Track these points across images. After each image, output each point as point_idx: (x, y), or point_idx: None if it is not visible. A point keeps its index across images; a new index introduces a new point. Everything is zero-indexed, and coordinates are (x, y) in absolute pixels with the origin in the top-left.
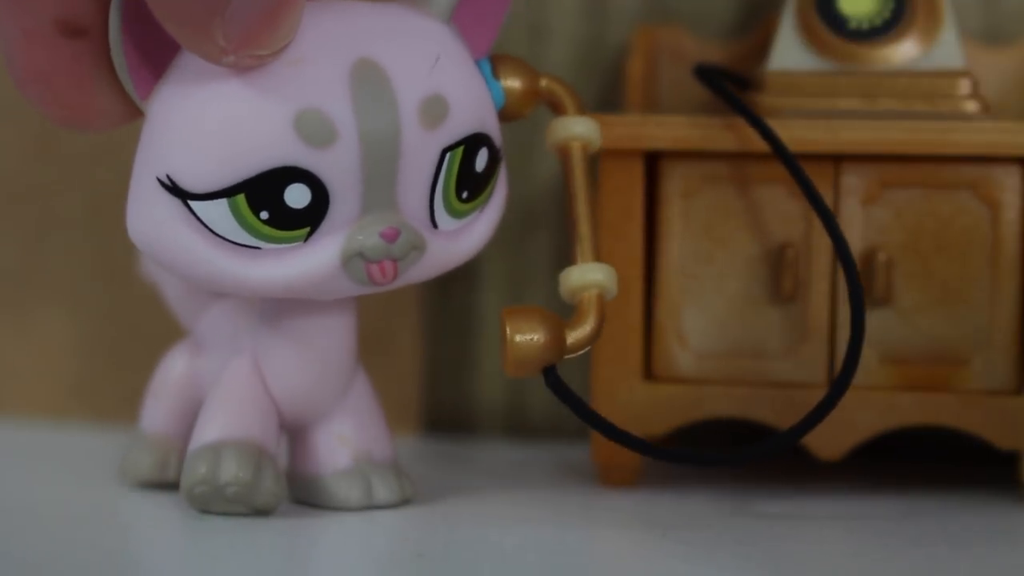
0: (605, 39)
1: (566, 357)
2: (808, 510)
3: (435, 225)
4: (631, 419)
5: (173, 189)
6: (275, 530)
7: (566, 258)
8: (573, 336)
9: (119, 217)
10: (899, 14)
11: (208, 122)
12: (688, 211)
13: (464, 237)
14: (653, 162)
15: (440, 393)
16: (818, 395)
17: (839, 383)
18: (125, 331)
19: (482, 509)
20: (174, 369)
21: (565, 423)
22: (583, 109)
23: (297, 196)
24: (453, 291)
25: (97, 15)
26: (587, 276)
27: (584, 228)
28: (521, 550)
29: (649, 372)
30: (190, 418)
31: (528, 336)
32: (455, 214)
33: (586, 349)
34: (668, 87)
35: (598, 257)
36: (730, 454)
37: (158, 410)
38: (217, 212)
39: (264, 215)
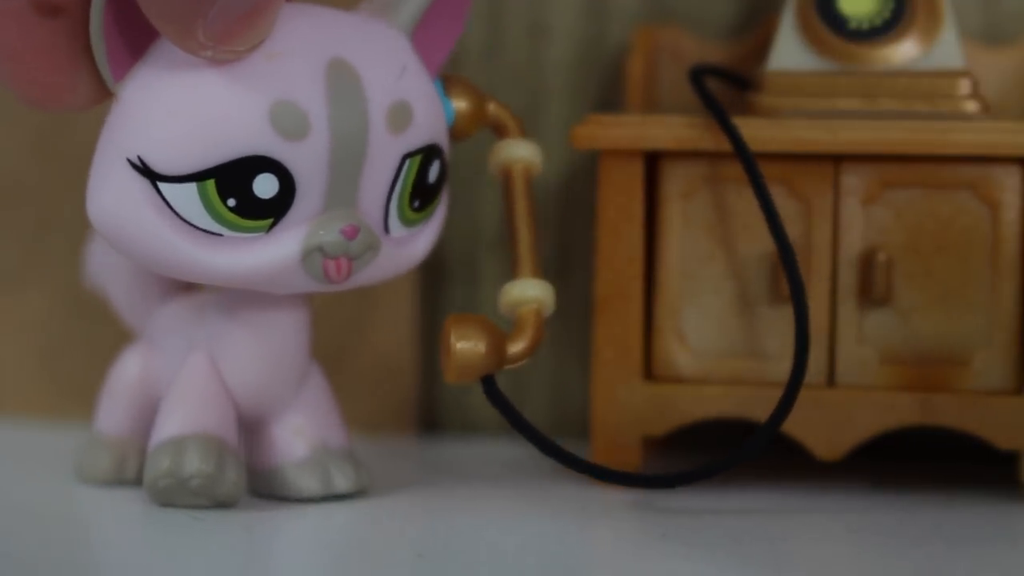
0: (605, 39)
1: (504, 368)
2: (808, 510)
3: (387, 230)
4: (631, 419)
5: (143, 170)
6: (275, 527)
7: (565, 258)
8: (513, 348)
9: None
10: (899, 14)
11: (185, 106)
12: (688, 211)
13: (410, 246)
14: (653, 162)
15: (439, 393)
16: (818, 395)
17: (789, 389)
18: (125, 331)
19: (481, 509)
20: (128, 371)
21: (564, 422)
22: (524, 133)
23: (265, 186)
24: (451, 291)
25: None
26: (527, 292)
27: (525, 245)
28: (520, 550)
29: (649, 372)
30: (146, 419)
31: (470, 343)
32: (406, 222)
33: (523, 363)
34: (668, 87)
35: (537, 274)
36: (683, 473)
37: (113, 411)
38: (185, 196)
39: (231, 202)
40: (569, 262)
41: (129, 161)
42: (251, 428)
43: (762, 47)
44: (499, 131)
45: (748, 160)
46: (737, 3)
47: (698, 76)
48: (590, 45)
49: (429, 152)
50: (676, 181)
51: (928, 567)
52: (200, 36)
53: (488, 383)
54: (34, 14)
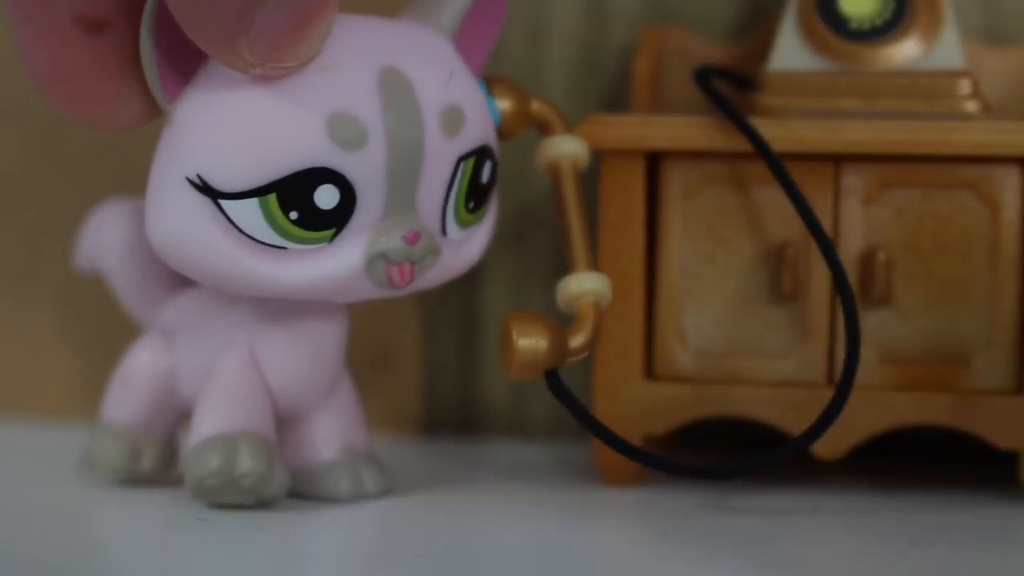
0: (605, 40)
1: (567, 362)
2: (808, 509)
3: (444, 232)
4: (632, 418)
5: (203, 188)
6: (275, 526)
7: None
8: (575, 342)
9: None
10: (900, 14)
11: (241, 123)
12: (689, 211)
13: (465, 247)
14: (654, 162)
15: (440, 393)
16: (818, 394)
17: (840, 390)
18: (125, 331)
19: (482, 509)
20: (142, 361)
21: (565, 423)
22: (570, 128)
23: (327, 197)
24: (453, 291)
25: (118, 9)
26: (584, 284)
27: (578, 239)
28: (521, 549)
29: (650, 371)
30: (160, 411)
31: (532, 340)
32: (462, 223)
33: (585, 355)
34: (674, 88)
35: (593, 267)
36: (731, 465)
37: (126, 402)
38: (247, 211)
39: (293, 215)
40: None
41: (189, 180)
42: (284, 425)
43: (767, 47)
44: (544, 128)
45: (767, 153)
46: (737, 4)
47: (704, 76)
48: (590, 46)
49: (481, 153)
50: (677, 181)
51: (928, 567)
52: (246, 54)
53: (552, 378)
54: (79, 31)
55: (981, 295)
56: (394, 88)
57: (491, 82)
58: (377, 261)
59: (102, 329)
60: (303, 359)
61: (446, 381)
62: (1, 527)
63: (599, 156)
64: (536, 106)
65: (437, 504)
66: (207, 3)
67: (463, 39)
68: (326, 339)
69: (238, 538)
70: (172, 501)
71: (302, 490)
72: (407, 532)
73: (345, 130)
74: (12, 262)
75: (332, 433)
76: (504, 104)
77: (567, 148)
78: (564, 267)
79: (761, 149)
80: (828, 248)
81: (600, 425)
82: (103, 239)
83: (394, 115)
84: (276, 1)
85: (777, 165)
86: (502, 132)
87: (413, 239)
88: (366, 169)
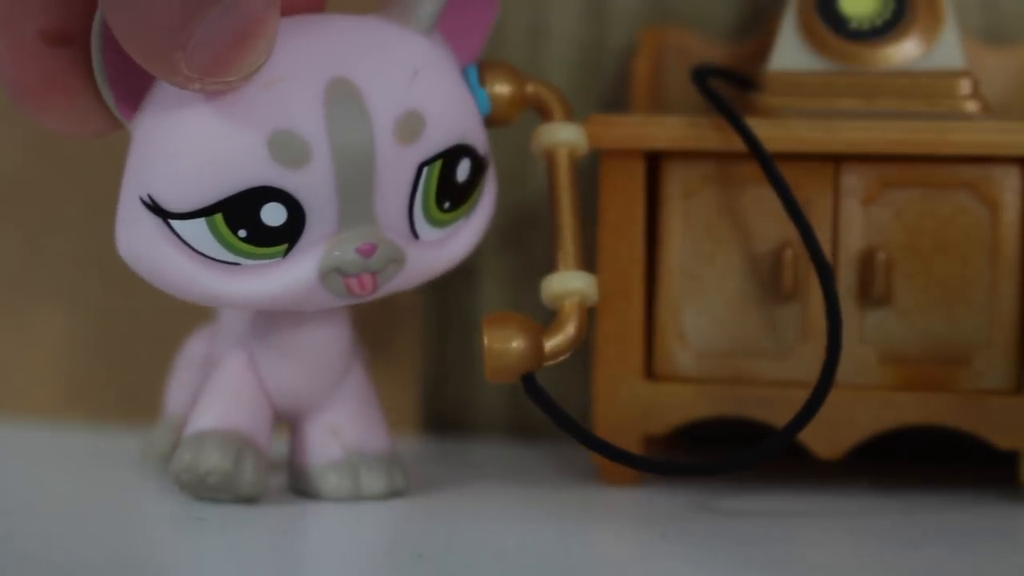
0: (605, 41)
1: (545, 364)
2: (808, 509)
3: (416, 236)
4: (632, 418)
5: (154, 208)
6: (276, 526)
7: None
8: (551, 343)
9: None
10: (900, 14)
11: (185, 143)
12: (689, 211)
13: (449, 245)
14: (654, 162)
15: (440, 393)
16: None
17: (820, 386)
18: (125, 331)
19: (482, 509)
20: (194, 351)
21: None
22: (570, 115)
23: (273, 214)
24: (453, 291)
25: (81, 23)
26: (568, 284)
27: (567, 236)
28: (521, 549)
29: (650, 371)
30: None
31: (506, 344)
32: (437, 224)
33: (565, 356)
34: (674, 88)
35: (580, 265)
36: (714, 462)
37: (177, 390)
38: (196, 230)
39: (242, 233)
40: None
41: (142, 200)
42: (291, 423)
43: (768, 47)
44: (542, 113)
45: (761, 154)
46: (737, 4)
47: (701, 76)
48: (590, 47)
49: (453, 153)
50: (677, 181)
51: (928, 568)
52: (184, 69)
53: (528, 381)
54: (44, 45)
55: (981, 295)
56: (341, 99)
57: (484, 68)
58: (332, 275)
59: (102, 329)
60: (301, 363)
61: (446, 381)
62: (2, 527)
63: (599, 156)
64: (532, 88)
65: (437, 504)
66: (144, 17)
67: (451, 28)
68: (324, 343)
69: (238, 538)
70: (173, 500)
71: (303, 488)
72: (407, 532)
73: (287, 149)
74: (12, 262)
75: (335, 432)
76: (499, 89)
77: (563, 136)
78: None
79: (754, 149)
80: (813, 243)
81: (577, 426)
82: None
83: (339, 128)
84: (215, 15)
85: (769, 166)
86: (497, 118)
87: (368, 251)
88: (312, 185)
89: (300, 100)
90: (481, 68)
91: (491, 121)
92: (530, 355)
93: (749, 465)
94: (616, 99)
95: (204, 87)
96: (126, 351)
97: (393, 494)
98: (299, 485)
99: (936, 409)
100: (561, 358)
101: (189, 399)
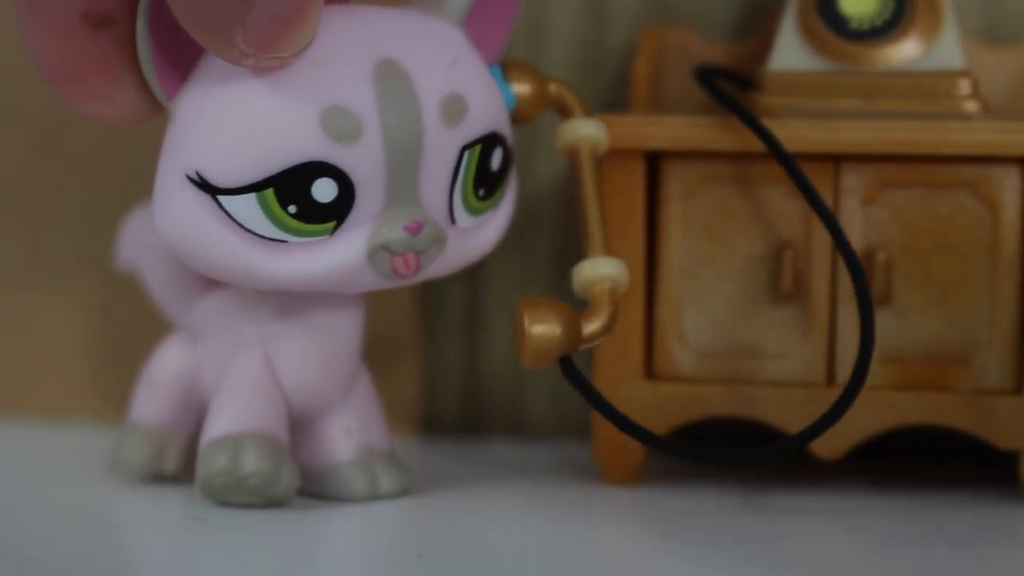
0: (606, 41)
1: (581, 348)
2: (808, 509)
3: (453, 221)
4: (632, 418)
5: (202, 184)
6: (278, 526)
7: (567, 258)
8: (588, 328)
9: (119, 217)
10: (900, 14)
11: (236, 118)
12: (689, 211)
13: (479, 235)
14: (654, 162)
15: (440, 393)
16: (818, 394)
17: (852, 385)
18: (125, 331)
19: (482, 508)
20: (168, 359)
21: (565, 422)
22: (589, 112)
23: (324, 190)
24: (453, 290)
25: (123, 5)
26: (599, 270)
27: (595, 225)
28: (521, 549)
29: (650, 371)
30: (187, 409)
31: (545, 327)
32: (472, 211)
33: (599, 341)
34: (674, 88)
35: (608, 252)
36: (742, 451)
37: (152, 400)
38: (246, 206)
39: (292, 209)
40: (569, 262)
41: (188, 177)
42: (299, 426)
43: (767, 48)
44: (563, 111)
45: (778, 149)
46: (737, 5)
47: (708, 76)
48: (590, 47)
49: (489, 140)
50: (677, 181)
51: (928, 567)
52: (240, 44)
53: (566, 364)
54: (85, 27)
55: (981, 295)
56: (390, 79)
57: (507, 66)
58: (380, 252)
59: (103, 329)
60: (319, 359)
61: (446, 380)
62: (2, 527)
63: (600, 156)
64: (554, 88)
65: (437, 504)
66: None
67: (476, 27)
68: (342, 341)
69: (238, 538)
70: (174, 500)
71: (317, 490)
72: (408, 532)
73: (339, 123)
74: (13, 262)
75: (348, 433)
76: (521, 88)
77: (586, 131)
78: (579, 252)
79: (771, 145)
80: (845, 245)
81: (614, 410)
82: (137, 240)
83: (390, 107)
84: None
85: (790, 163)
86: (519, 117)
87: (416, 229)
88: (363, 162)
89: (351, 77)
90: (504, 67)
91: (513, 119)
92: (569, 339)
93: (787, 455)
94: (616, 99)
95: (257, 63)
96: (126, 351)
97: (404, 492)
98: (309, 487)
99: (936, 409)
100: (596, 342)
101: (165, 411)
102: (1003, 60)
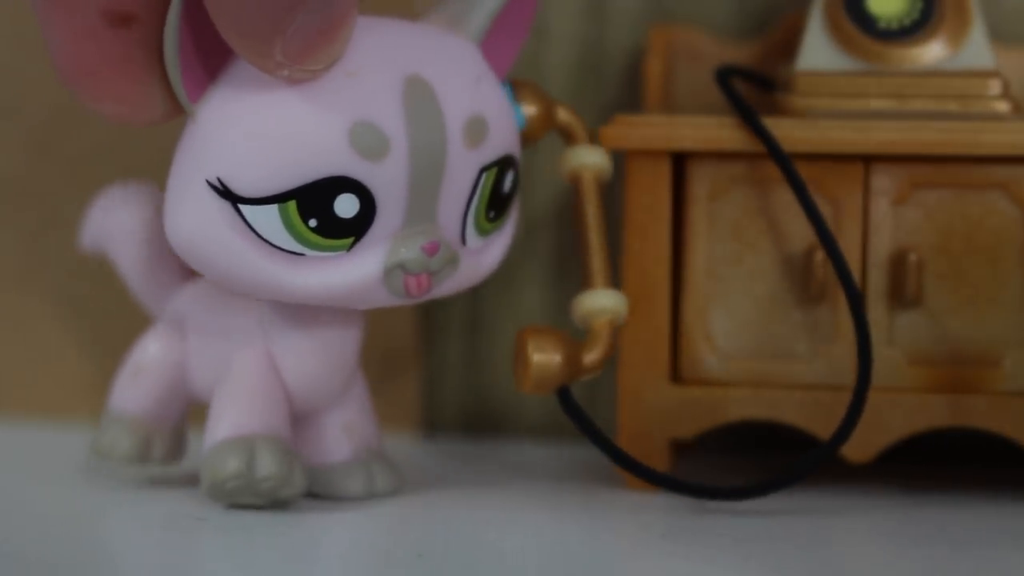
0: (606, 41)
1: (579, 379)
2: (811, 509)
3: (464, 242)
4: (658, 422)
5: (223, 192)
6: (278, 526)
7: (567, 258)
8: (589, 358)
9: None
10: (928, 14)
11: (265, 128)
12: (715, 212)
13: (484, 255)
14: (680, 163)
15: (441, 393)
16: (845, 397)
17: (857, 394)
18: (125, 331)
19: (483, 509)
20: (151, 352)
21: (566, 424)
22: (594, 139)
23: (346, 206)
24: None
25: (144, 4)
26: (599, 302)
27: (596, 255)
28: (522, 549)
29: (676, 374)
30: (170, 402)
31: (547, 355)
32: (481, 232)
33: (598, 373)
34: (683, 87)
35: (609, 284)
36: (750, 488)
37: (135, 391)
38: (266, 217)
39: (312, 223)
40: (568, 262)
41: (209, 183)
42: (296, 424)
43: (778, 47)
44: (568, 137)
45: (782, 158)
46: (738, 5)
47: (724, 77)
48: (591, 48)
49: (504, 163)
50: (703, 182)
51: (930, 567)
52: (278, 55)
53: (564, 394)
54: (106, 25)
55: (1012, 296)
56: (418, 97)
57: (517, 87)
58: (395, 271)
59: (103, 328)
60: (320, 360)
61: (447, 381)
62: (2, 527)
63: (624, 157)
64: (562, 114)
65: (438, 504)
66: (254, 1)
67: (490, 46)
68: (343, 340)
69: (238, 538)
70: (173, 500)
71: (313, 488)
72: (408, 532)
73: (367, 140)
74: (13, 261)
75: (347, 432)
76: (530, 110)
77: (590, 159)
78: (581, 281)
79: (772, 149)
80: (834, 249)
81: (610, 444)
82: (109, 221)
83: (417, 125)
84: (316, 3)
85: (788, 166)
86: (526, 137)
87: (432, 250)
88: (387, 179)
89: (380, 94)
90: (514, 87)
91: (521, 139)
92: (569, 368)
93: (790, 485)
94: (617, 99)
95: (291, 74)
96: (125, 351)
97: (397, 491)
98: (310, 486)
99: (966, 411)
100: (594, 374)
101: (149, 401)
102: (1003, 60)
